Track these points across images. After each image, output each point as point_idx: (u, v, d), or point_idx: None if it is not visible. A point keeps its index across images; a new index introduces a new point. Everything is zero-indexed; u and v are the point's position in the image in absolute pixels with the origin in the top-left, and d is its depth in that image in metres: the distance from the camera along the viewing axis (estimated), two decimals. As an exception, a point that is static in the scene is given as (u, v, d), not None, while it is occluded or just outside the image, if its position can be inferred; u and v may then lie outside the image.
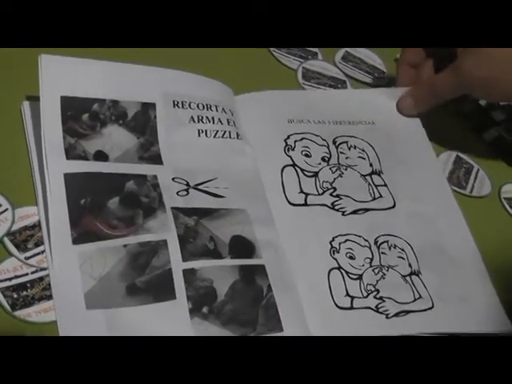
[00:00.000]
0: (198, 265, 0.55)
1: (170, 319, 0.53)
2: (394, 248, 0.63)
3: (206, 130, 0.64)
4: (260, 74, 0.69)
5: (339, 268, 0.60)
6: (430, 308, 0.60)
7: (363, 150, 0.69)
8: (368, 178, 0.67)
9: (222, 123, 0.65)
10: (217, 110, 0.65)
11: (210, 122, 0.64)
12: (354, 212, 0.64)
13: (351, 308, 0.58)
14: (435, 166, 0.72)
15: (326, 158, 0.67)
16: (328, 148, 0.68)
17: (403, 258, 0.62)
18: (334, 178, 0.65)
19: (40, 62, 0.58)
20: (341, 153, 0.68)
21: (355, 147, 0.69)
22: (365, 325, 0.58)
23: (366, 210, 0.65)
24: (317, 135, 0.68)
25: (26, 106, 0.60)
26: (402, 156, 0.70)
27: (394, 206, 0.66)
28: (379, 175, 0.68)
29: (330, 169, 0.66)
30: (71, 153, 0.57)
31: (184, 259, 0.55)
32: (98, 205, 0.56)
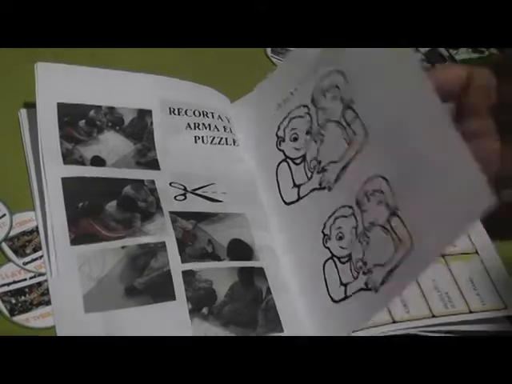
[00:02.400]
0: (197, 266, 0.55)
1: (169, 320, 0.52)
2: (372, 195, 0.55)
3: (202, 137, 0.64)
4: (258, 81, 0.69)
5: (332, 257, 0.57)
6: (408, 252, 0.51)
7: (336, 86, 0.59)
8: (342, 119, 0.58)
9: (218, 130, 0.65)
10: (213, 117, 0.65)
11: (206, 128, 0.64)
12: (336, 180, 0.57)
13: (345, 298, 0.55)
14: (418, 75, 0.52)
15: (310, 129, 0.61)
16: (309, 114, 0.61)
17: (381, 201, 0.54)
18: (318, 149, 0.60)
19: (36, 69, 0.59)
20: (319, 109, 0.60)
21: (328, 90, 0.59)
22: (359, 309, 0.54)
23: (345, 167, 0.57)
24: (298, 106, 0.62)
25: (23, 113, 0.60)
26: (379, 67, 0.56)
27: (367, 140, 0.56)
28: (350, 107, 0.57)
29: (314, 140, 0.60)
30: (68, 158, 0.58)
31: (183, 261, 0.55)
32: (96, 208, 0.56)
